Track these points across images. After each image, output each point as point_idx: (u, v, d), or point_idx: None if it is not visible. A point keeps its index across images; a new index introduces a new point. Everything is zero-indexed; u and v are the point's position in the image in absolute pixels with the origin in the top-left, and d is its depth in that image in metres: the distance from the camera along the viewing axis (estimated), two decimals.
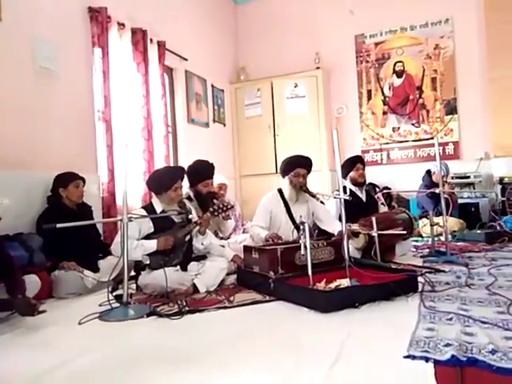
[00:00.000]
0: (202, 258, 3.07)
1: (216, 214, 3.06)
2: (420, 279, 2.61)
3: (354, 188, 3.91)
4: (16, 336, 2.13)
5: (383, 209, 4.09)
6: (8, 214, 3.04)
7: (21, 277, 2.45)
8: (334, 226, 3.40)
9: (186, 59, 5.56)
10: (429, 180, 5.12)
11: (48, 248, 2.99)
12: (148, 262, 2.86)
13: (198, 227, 3.01)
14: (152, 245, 2.86)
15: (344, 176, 3.75)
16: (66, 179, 3.24)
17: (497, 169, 5.64)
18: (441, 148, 5.62)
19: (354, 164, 3.99)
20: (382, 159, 6.42)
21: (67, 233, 2.75)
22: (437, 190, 3.74)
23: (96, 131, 4.09)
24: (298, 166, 3.55)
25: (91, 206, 3.47)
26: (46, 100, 3.57)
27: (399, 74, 6.32)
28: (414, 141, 6.24)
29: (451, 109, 6.03)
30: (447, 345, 1.65)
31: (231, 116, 6.75)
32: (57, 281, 2.87)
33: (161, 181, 3.07)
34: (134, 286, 2.95)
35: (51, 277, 2.89)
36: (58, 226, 2.44)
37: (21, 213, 3.14)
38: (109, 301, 2.50)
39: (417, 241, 4.55)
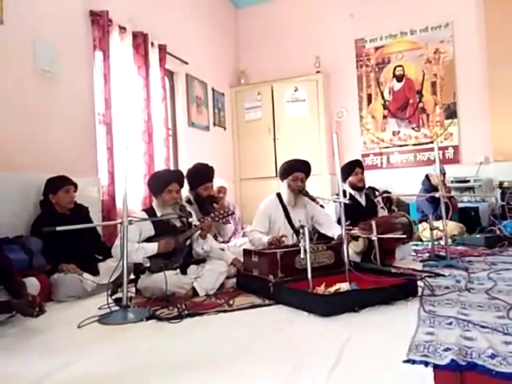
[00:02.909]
0: (201, 261, 3.07)
1: (217, 219, 3.09)
2: (420, 283, 2.61)
3: (353, 192, 3.91)
4: (14, 339, 2.12)
5: (383, 213, 4.08)
6: (8, 216, 3.06)
7: (20, 278, 2.44)
8: (334, 230, 3.40)
9: (186, 63, 5.57)
10: (428, 184, 5.12)
11: (47, 251, 2.98)
12: (148, 265, 2.86)
13: (199, 231, 3.01)
14: (153, 247, 2.87)
15: (343, 180, 3.75)
16: (56, 184, 3.14)
17: (496, 173, 5.65)
18: (441, 152, 5.61)
19: (352, 168, 4.00)
20: (381, 163, 6.43)
21: (64, 236, 2.72)
22: (437, 195, 3.74)
23: (96, 134, 4.09)
24: (296, 169, 3.55)
25: (87, 207, 3.41)
26: (47, 103, 3.58)
27: (399, 78, 6.34)
28: (413, 145, 6.26)
29: (451, 113, 6.04)
30: (447, 349, 1.65)
31: (231, 119, 6.76)
32: (56, 284, 2.86)
33: (156, 182, 3.11)
34: (133, 289, 2.95)
35: (51, 280, 2.88)
36: (58, 228, 2.44)
37: (21, 215, 3.15)
38: (108, 304, 2.50)
39: (417, 245, 4.54)
